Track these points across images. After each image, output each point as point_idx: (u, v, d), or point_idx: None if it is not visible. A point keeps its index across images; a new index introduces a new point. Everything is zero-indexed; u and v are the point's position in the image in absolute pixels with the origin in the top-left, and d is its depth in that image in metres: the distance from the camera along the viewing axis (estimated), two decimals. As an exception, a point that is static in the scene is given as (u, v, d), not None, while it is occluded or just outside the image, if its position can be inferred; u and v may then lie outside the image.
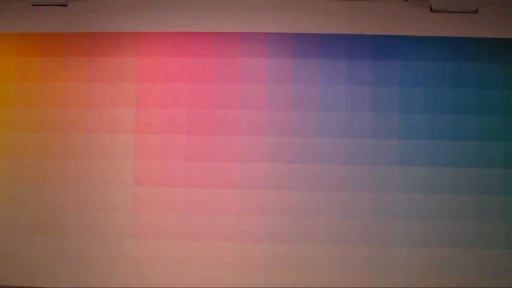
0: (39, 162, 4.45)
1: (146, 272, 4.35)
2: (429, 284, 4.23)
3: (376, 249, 4.30)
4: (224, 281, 4.31)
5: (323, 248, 4.36)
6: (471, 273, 4.21)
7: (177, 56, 4.77)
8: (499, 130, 4.40)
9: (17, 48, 4.80)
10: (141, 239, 4.42)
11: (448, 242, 4.27)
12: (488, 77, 4.45)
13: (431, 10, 4.46)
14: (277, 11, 4.67)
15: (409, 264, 4.27)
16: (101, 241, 4.40)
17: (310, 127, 4.53)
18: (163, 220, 4.47)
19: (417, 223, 4.31)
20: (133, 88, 4.65)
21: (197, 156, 4.56)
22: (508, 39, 4.46)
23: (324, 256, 4.34)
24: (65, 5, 4.81)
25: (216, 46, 4.73)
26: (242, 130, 4.59)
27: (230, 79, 4.67)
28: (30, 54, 4.76)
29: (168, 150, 4.56)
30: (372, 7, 4.57)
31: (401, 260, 4.29)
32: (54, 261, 4.37)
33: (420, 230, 4.29)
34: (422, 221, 4.30)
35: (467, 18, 4.44)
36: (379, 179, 4.41)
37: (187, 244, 4.42)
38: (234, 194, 4.51)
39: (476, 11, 4.41)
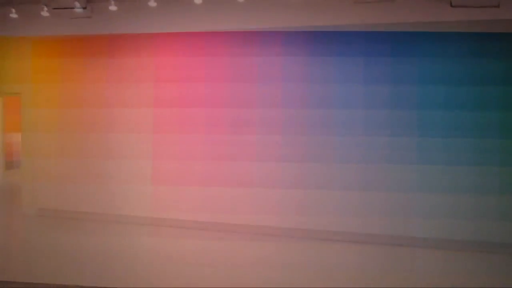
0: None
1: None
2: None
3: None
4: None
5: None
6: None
7: (193, 56, 5.15)
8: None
9: (54, 50, 5.63)
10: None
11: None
12: None
13: (451, 5, 4.37)
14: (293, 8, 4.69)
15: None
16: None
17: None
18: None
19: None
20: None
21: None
22: None
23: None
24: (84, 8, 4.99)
25: (231, 46, 5.04)
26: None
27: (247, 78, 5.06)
28: (63, 56, 5.64)
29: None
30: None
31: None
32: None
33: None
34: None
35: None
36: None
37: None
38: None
39: (497, 6, 4.29)
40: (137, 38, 5.28)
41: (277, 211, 4.98)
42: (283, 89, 4.91)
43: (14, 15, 5.03)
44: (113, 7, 4.80)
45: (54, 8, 4.93)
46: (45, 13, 4.93)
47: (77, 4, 4.85)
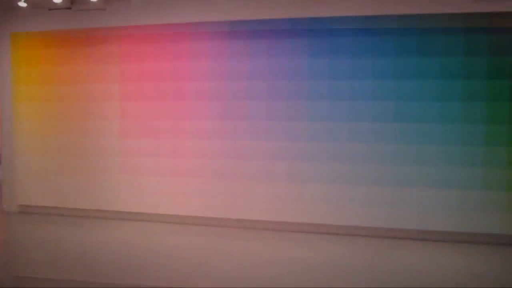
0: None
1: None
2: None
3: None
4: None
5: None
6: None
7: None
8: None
9: (32, 42, 5.51)
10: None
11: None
12: None
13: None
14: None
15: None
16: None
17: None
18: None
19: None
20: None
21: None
22: None
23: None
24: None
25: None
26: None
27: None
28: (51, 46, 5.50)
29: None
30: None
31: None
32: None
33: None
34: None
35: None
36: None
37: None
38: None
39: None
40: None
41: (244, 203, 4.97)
42: (250, 82, 4.90)
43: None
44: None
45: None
46: (22, 3, 4.81)
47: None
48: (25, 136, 5.58)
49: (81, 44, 5.32)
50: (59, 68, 5.43)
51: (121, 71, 5.23)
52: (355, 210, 4.71)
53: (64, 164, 5.47)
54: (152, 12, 5.03)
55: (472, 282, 3.56)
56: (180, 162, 5.14)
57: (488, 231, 4.44)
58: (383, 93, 4.59)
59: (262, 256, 4.14)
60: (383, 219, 4.65)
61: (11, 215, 5.56)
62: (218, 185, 5.04)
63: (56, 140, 5.49)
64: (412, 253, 4.23)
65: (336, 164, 4.73)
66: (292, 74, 4.78)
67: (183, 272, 3.72)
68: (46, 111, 5.51)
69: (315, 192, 4.80)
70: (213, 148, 5.03)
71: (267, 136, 4.88)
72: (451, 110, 4.46)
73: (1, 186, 5.79)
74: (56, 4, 4.98)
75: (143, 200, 5.25)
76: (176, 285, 3.44)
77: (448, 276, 3.67)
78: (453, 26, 4.40)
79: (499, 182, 4.41)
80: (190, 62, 5.03)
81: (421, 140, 4.54)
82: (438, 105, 4.48)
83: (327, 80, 4.70)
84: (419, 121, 4.53)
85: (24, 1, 4.80)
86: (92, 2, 4.95)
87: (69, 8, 5.11)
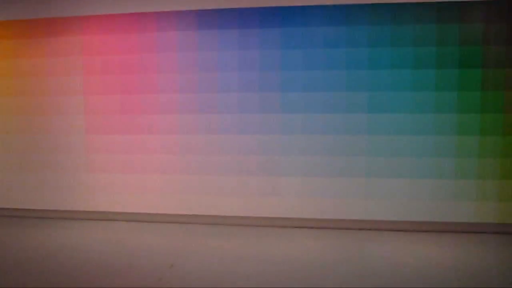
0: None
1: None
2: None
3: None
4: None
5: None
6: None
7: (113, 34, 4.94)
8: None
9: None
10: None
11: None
12: None
13: None
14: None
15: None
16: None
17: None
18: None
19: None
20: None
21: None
22: None
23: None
24: None
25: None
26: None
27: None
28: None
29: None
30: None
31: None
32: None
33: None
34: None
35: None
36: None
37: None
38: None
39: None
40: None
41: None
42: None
43: None
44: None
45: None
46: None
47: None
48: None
49: (40, 35, 5.01)
50: (16, 60, 5.09)
51: (84, 64, 4.96)
52: (328, 202, 4.67)
53: (24, 162, 5.16)
54: (117, 1, 4.79)
55: (445, 271, 3.56)
56: (149, 158, 4.94)
57: (460, 220, 4.50)
58: (356, 84, 4.53)
59: (237, 253, 4.02)
60: (356, 211, 4.63)
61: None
62: (190, 181, 4.88)
63: (15, 137, 5.17)
64: (385, 244, 4.21)
65: (309, 156, 4.65)
66: (264, 64, 4.64)
67: (153, 274, 3.55)
68: (4, 107, 5.17)
69: (289, 186, 4.71)
70: (184, 142, 4.85)
71: (239, 129, 4.75)
72: (424, 99, 4.45)
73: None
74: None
75: (110, 198, 5.03)
76: (146, 288, 3.28)
77: (423, 267, 3.66)
78: (426, 15, 4.38)
79: (470, 171, 4.46)
80: (157, 53, 4.82)
81: (394, 130, 4.52)
82: (411, 95, 4.46)
83: (300, 70, 4.59)
84: (392, 111, 4.51)
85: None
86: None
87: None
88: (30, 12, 4.98)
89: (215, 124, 4.78)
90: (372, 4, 4.42)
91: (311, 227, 4.69)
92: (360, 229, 4.60)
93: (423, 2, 4.36)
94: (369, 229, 4.58)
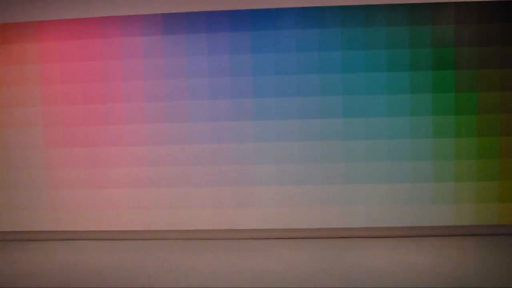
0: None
1: None
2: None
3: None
4: None
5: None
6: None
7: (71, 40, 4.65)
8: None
9: None
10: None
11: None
12: None
13: None
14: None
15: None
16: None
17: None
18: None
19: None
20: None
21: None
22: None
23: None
24: None
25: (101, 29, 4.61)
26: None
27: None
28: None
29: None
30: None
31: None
32: None
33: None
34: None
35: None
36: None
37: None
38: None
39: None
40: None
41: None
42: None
43: None
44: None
45: None
46: None
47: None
48: None
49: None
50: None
51: (42, 72, 4.63)
52: (303, 211, 4.50)
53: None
54: (76, 5, 4.52)
55: (424, 275, 3.44)
56: (113, 171, 4.63)
57: (437, 224, 4.43)
58: (330, 88, 4.42)
59: (211, 269, 3.76)
60: (333, 219, 4.49)
61: None
62: (159, 195, 4.60)
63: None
64: (364, 252, 4.06)
65: (283, 165, 4.49)
66: (234, 70, 4.46)
67: None
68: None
69: (263, 196, 4.51)
70: (150, 154, 4.58)
71: (210, 138, 4.53)
72: (398, 103, 4.38)
73: None
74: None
75: (72, 216, 4.68)
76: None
77: (401, 272, 3.53)
78: (398, 17, 4.33)
79: (447, 174, 4.40)
80: (121, 60, 4.55)
81: (369, 135, 4.42)
82: (385, 98, 4.38)
83: (272, 75, 4.44)
84: (365, 116, 4.41)
85: None
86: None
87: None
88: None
89: (185, 133, 4.55)
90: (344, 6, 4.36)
91: (288, 238, 4.50)
92: (339, 237, 4.45)
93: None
94: (349, 237, 4.45)
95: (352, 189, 4.46)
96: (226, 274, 3.61)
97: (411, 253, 3.99)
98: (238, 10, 4.40)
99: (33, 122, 4.67)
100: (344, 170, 4.45)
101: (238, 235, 4.55)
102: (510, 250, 4.02)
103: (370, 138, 4.42)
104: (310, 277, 3.50)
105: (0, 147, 4.72)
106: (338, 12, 4.35)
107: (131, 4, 4.48)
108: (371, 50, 4.35)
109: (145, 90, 4.54)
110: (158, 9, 4.45)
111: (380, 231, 4.47)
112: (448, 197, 4.42)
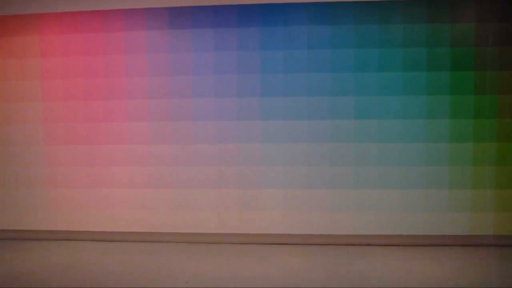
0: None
1: None
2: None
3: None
4: None
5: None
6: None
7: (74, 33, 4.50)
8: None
9: None
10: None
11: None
12: None
13: None
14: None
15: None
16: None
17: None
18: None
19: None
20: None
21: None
22: None
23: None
24: None
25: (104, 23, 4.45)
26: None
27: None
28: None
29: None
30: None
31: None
32: None
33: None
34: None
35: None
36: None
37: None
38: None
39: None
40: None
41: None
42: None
43: None
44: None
45: None
46: None
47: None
48: None
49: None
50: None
51: (43, 66, 4.49)
52: (311, 216, 4.31)
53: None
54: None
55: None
56: (115, 170, 4.47)
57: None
58: (342, 88, 4.21)
59: (214, 275, 3.58)
60: (342, 225, 4.29)
61: None
62: (161, 196, 4.43)
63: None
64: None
65: (291, 167, 4.30)
66: (241, 67, 4.27)
67: None
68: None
69: (269, 199, 4.33)
70: (153, 153, 4.42)
71: (215, 138, 4.35)
72: (414, 105, 4.17)
73: None
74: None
75: (72, 216, 4.53)
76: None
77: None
78: (415, 14, 4.12)
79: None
80: (124, 55, 4.39)
81: (382, 138, 4.21)
82: (400, 99, 4.17)
83: (281, 73, 4.24)
84: (378, 117, 4.20)
85: None
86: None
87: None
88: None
89: (190, 133, 4.37)
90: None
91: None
92: (348, 244, 4.25)
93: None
94: (358, 245, 4.24)
95: (362, 195, 4.26)
96: (229, 281, 3.43)
97: (425, 263, 3.78)
98: (246, 5, 4.21)
99: (32, 118, 4.53)
100: (354, 174, 4.25)
101: (242, 240, 4.36)
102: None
103: (383, 141, 4.21)
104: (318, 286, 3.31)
105: None
106: (351, 8, 4.15)
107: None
108: (386, 48, 4.14)
109: (148, 87, 4.38)
110: (164, 3, 4.28)
111: (391, 238, 4.25)
112: (463, 205, 4.19)
